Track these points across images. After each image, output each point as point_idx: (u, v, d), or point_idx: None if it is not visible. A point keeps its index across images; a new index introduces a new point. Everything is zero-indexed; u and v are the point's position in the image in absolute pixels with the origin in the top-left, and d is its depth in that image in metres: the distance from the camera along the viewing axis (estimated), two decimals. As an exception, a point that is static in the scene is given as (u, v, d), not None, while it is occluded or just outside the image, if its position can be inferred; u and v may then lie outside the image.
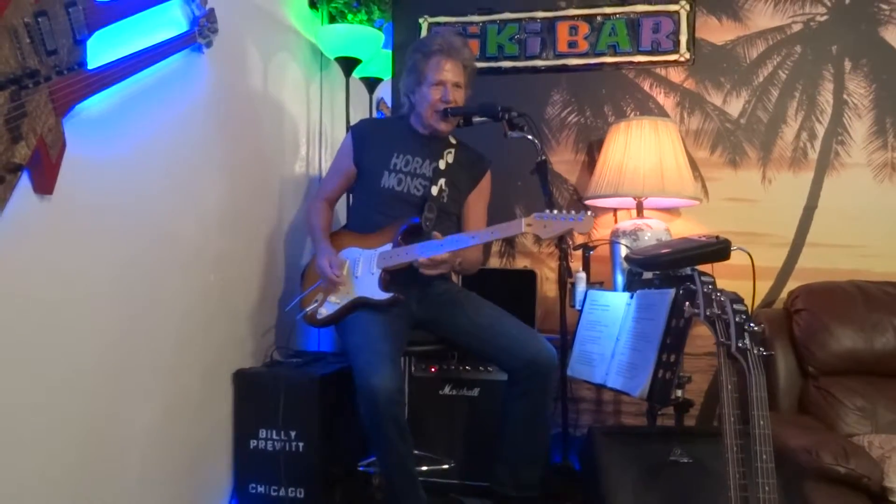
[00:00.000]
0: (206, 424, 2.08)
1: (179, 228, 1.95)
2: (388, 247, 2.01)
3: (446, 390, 2.34)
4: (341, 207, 2.79)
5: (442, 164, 2.14)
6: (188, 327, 1.99)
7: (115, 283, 1.70)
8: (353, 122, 2.54)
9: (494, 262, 2.74)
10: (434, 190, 2.09)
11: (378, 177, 2.10)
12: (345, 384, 2.02)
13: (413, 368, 2.35)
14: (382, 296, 1.96)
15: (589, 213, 1.78)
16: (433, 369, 2.35)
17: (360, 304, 1.98)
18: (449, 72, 2.06)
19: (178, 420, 1.95)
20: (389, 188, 2.10)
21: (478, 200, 2.24)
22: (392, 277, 2.00)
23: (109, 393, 1.69)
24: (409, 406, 2.24)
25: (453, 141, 2.20)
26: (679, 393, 2.09)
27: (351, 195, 2.28)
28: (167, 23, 1.84)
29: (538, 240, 2.64)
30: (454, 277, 2.51)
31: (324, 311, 2.01)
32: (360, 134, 2.16)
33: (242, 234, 2.27)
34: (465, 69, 2.10)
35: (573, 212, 1.79)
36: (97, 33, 1.57)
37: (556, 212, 1.80)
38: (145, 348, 1.81)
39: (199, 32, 1.95)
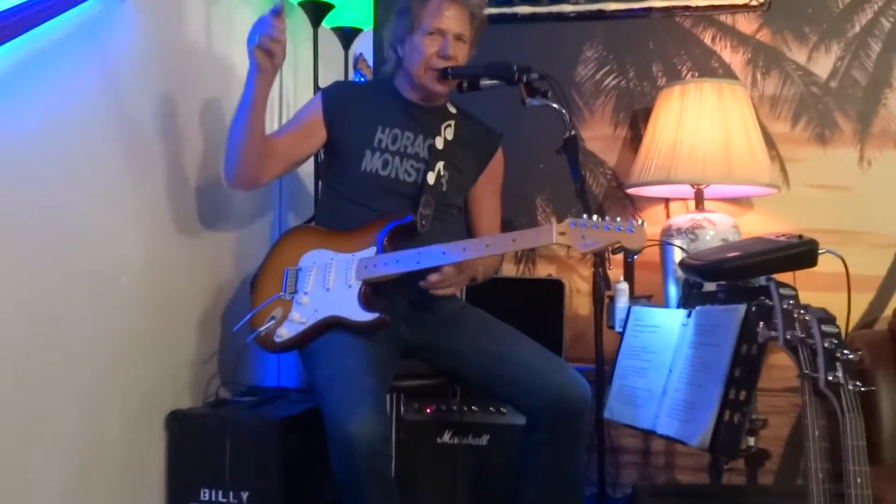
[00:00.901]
0: (130, 484, 2.08)
1: (94, 227, 1.95)
2: (371, 251, 2.01)
3: (446, 438, 2.34)
4: (308, 202, 2.80)
5: (439, 143, 2.14)
6: (106, 356, 1.99)
7: (6, 300, 1.71)
8: (323, 86, 2.55)
9: (510, 270, 2.75)
10: (430, 177, 2.10)
11: (358, 158, 2.10)
12: (313, 429, 2.02)
13: (402, 409, 2.35)
14: (365, 316, 1.97)
15: (641, 222, 1.79)
16: (429, 410, 2.35)
17: (333, 325, 1.99)
18: (452, 19, 2.06)
19: (95, 480, 1.95)
20: (372, 172, 2.10)
21: (488, 187, 2.25)
22: (373, 289, 2.01)
23: (2, 449, 1.70)
24: (398, 458, 2.24)
25: (453, 110, 2.21)
26: (751, 441, 2.09)
27: (319, 184, 2.28)
28: (79, -41, 1.85)
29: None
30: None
31: (284, 333, 2.01)
32: (334, 100, 2.15)
33: (178, 232, 2.27)
34: (473, 19, 2.11)
35: (619, 219, 1.80)
36: (-14, -27, 1.58)
37: (596, 218, 1.81)
38: (48, 386, 1.81)
39: (122, -29, 1.96)
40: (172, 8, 2.26)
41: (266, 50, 1.91)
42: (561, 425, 1.95)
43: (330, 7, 2.68)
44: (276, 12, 1.87)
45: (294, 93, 2.93)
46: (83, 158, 1.91)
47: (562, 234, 1.82)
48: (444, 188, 2.14)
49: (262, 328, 2.03)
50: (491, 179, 2.26)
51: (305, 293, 2.03)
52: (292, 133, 2.14)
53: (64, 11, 1.78)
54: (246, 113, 1.97)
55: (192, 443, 2.18)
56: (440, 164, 2.12)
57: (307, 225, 2.27)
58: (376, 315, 1.96)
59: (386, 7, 2.37)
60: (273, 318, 2.03)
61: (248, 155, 2.02)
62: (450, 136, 2.16)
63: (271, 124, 2.79)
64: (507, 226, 2.40)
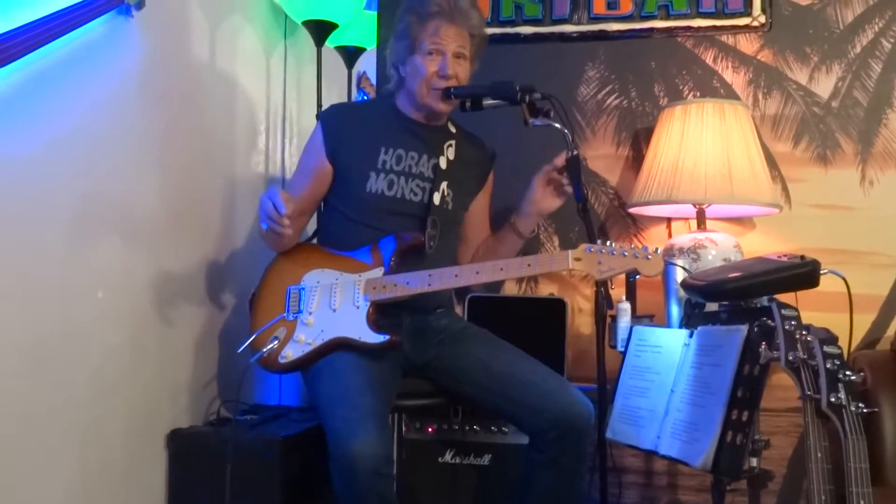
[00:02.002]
0: (132, 503, 2.08)
1: (98, 245, 1.96)
2: (378, 272, 2.02)
3: (448, 457, 2.34)
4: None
5: (443, 163, 2.16)
6: (107, 375, 1.99)
7: (11, 315, 1.71)
8: (326, 105, 2.57)
9: (511, 289, 2.75)
10: (437, 198, 2.12)
11: (362, 180, 2.11)
12: (315, 449, 2.02)
13: (404, 428, 2.35)
14: (375, 339, 1.97)
15: (657, 250, 1.83)
16: (430, 430, 2.35)
17: (338, 345, 1.99)
18: (450, 38, 2.09)
19: (96, 499, 1.96)
20: (377, 193, 2.11)
21: (481, 200, 2.31)
22: (378, 308, 2.01)
23: (4, 467, 1.70)
24: (399, 478, 2.23)
25: (453, 129, 2.23)
26: (754, 462, 2.08)
27: (322, 204, 2.28)
28: (86, -21, 1.87)
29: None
30: (457, 308, 2.53)
31: (289, 354, 2.01)
32: (334, 123, 2.17)
33: (182, 250, 2.28)
34: (472, 38, 2.13)
35: (634, 246, 1.84)
36: (-7, -6, 1.60)
37: (610, 244, 1.84)
38: (49, 405, 1.82)
39: (128, -10, 1.98)
40: (177, 27, 2.28)
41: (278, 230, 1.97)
42: (564, 445, 1.95)
43: (333, 26, 2.70)
44: (274, 198, 1.92)
45: (298, 111, 2.95)
46: (87, 176, 1.92)
47: (577, 259, 1.84)
48: (450, 207, 2.16)
49: (264, 349, 2.02)
50: (486, 192, 2.31)
51: (310, 313, 2.03)
52: (309, 187, 2.17)
53: (70, 31, 1.80)
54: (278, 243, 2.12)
55: (192, 462, 2.18)
56: (444, 184, 2.14)
57: (307, 243, 2.27)
58: (387, 337, 1.96)
59: (389, 26, 2.38)
60: (276, 338, 2.03)
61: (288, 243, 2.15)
62: (452, 156, 2.18)
63: (273, 138, 2.81)
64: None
